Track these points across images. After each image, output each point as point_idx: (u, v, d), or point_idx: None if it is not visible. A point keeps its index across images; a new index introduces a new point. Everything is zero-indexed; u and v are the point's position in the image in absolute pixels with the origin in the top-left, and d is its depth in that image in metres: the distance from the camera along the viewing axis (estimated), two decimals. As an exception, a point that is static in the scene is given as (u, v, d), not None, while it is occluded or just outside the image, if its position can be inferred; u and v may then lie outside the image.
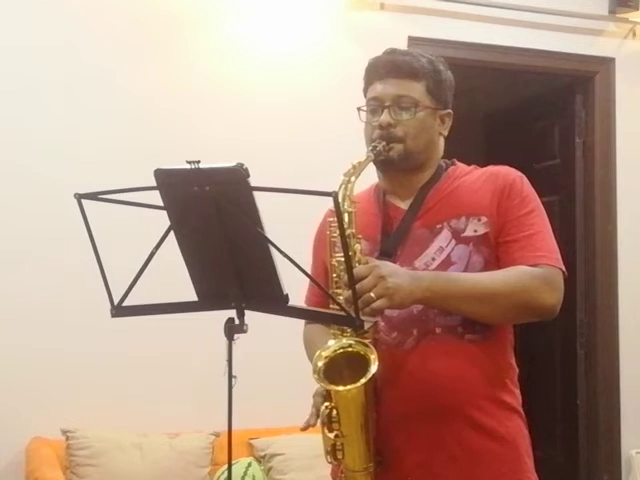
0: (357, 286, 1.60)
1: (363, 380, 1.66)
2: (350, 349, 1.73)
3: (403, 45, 3.77)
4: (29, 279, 3.50)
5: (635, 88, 4.44)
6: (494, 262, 1.82)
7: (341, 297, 1.72)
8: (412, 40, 3.93)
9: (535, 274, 1.76)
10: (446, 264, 1.81)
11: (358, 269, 1.66)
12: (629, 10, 4.30)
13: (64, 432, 3.36)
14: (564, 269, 1.81)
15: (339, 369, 1.72)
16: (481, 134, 5.52)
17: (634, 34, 4.41)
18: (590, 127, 4.47)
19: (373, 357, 1.68)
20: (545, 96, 4.87)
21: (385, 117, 1.85)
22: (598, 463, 4.39)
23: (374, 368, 1.66)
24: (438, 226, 1.85)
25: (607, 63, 4.41)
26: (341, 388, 1.69)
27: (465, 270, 1.80)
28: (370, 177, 1.97)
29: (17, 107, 3.53)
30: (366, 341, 1.71)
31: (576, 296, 4.45)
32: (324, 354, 1.73)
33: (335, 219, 1.67)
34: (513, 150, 4.83)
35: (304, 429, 1.81)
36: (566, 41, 4.29)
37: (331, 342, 1.75)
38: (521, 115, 5.08)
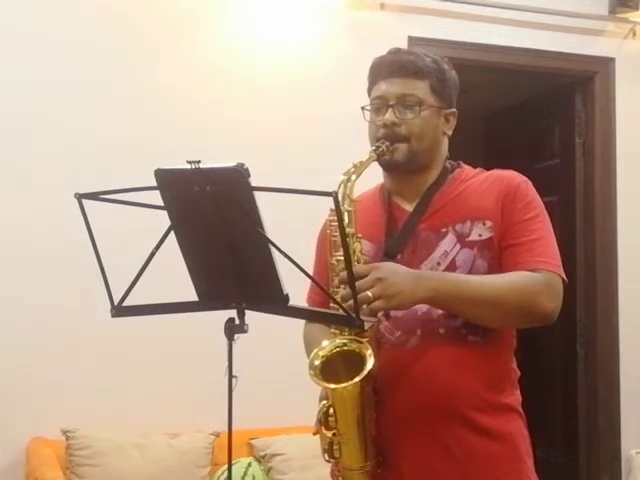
0: (355, 284, 1.59)
1: (358, 377, 1.66)
2: (345, 347, 1.72)
3: (403, 45, 3.76)
4: (28, 280, 3.49)
5: (635, 88, 4.44)
6: (497, 266, 1.81)
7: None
8: (412, 40, 3.93)
9: (535, 279, 1.75)
10: (450, 268, 1.81)
11: (357, 268, 1.66)
12: (629, 10, 4.30)
13: (64, 432, 3.36)
14: (564, 277, 1.80)
15: (336, 368, 1.71)
16: (481, 134, 5.51)
17: (634, 34, 4.41)
18: (590, 127, 4.46)
19: (369, 353, 1.67)
20: (545, 96, 4.87)
21: (389, 116, 1.85)
22: (598, 463, 4.39)
23: (370, 365, 1.65)
24: (443, 230, 1.84)
25: (607, 63, 4.40)
26: (336, 386, 1.68)
27: (469, 274, 1.79)
28: (374, 177, 1.96)
29: (18, 106, 3.52)
30: (362, 339, 1.70)
31: (576, 296, 4.45)
32: (321, 353, 1.72)
33: (335, 218, 1.67)
34: (513, 150, 4.84)
35: (316, 432, 1.79)
36: (566, 41, 4.29)
37: (325, 342, 1.74)
38: (521, 115, 5.08)
